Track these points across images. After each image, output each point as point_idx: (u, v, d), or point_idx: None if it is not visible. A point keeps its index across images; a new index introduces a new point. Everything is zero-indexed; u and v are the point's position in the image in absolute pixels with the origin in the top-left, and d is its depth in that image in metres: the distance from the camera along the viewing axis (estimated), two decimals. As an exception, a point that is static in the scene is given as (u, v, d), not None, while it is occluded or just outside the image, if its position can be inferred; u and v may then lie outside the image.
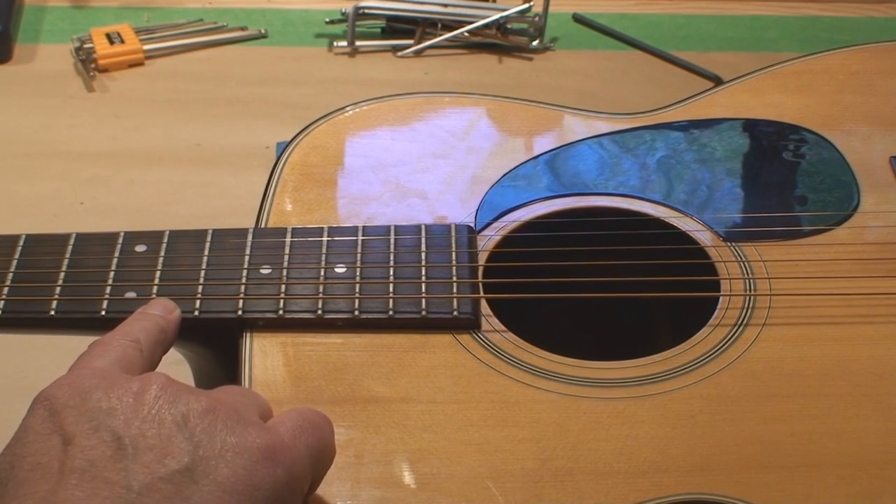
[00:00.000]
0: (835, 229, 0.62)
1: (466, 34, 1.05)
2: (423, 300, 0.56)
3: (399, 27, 1.07)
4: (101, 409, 0.41)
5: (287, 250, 0.58)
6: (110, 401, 0.41)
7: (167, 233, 0.58)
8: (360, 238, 0.59)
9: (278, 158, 0.66)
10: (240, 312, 0.55)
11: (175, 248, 0.58)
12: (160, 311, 0.52)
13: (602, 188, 0.65)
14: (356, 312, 0.55)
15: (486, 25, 1.05)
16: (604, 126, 0.70)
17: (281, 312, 0.55)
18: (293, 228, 0.59)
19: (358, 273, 0.57)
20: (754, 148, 0.69)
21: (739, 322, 0.57)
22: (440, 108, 0.71)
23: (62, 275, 0.56)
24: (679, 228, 0.62)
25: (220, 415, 0.42)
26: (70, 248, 0.57)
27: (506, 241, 0.61)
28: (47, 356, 0.71)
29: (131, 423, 0.41)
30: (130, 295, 0.55)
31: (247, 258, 0.57)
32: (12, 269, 0.56)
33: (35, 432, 0.41)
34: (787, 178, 0.66)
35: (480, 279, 0.58)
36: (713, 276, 0.59)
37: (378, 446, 0.50)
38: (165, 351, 0.52)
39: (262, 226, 0.61)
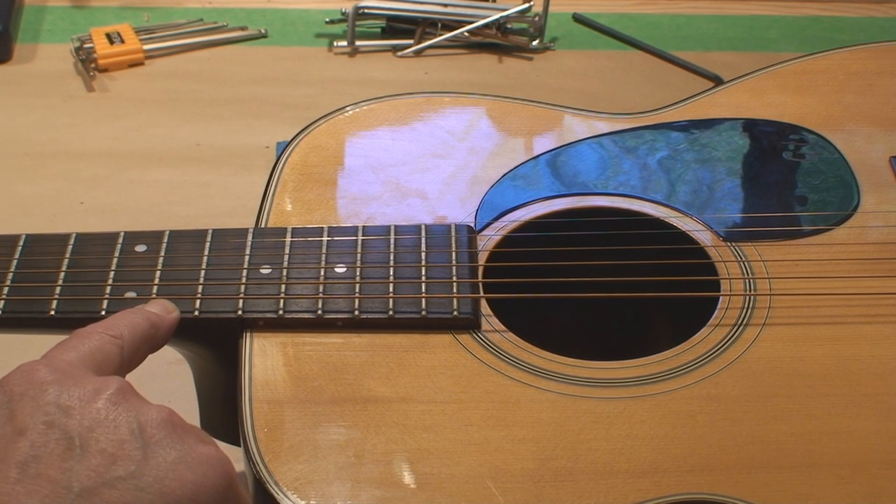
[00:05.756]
0: (835, 229, 0.62)
1: (466, 34, 1.05)
2: (423, 300, 0.56)
3: (399, 27, 1.07)
4: (58, 406, 0.41)
5: (287, 250, 0.58)
6: (70, 399, 0.41)
7: (167, 233, 0.58)
8: (360, 238, 0.59)
9: (278, 158, 0.66)
10: (240, 312, 0.55)
11: (175, 248, 0.58)
12: (157, 310, 0.52)
13: (602, 188, 0.65)
14: (356, 312, 0.55)
15: (486, 25, 1.05)
16: (604, 126, 0.70)
17: (281, 312, 0.55)
18: (293, 228, 0.59)
19: (358, 273, 0.57)
20: (754, 148, 0.69)
21: (739, 322, 0.57)
22: (440, 108, 0.71)
23: (62, 275, 0.56)
24: (679, 228, 0.62)
25: (178, 427, 0.42)
26: (70, 248, 0.57)
27: (506, 241, 0.61)
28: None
29: (84, 424, 0.40)
30: (130, 295, 0.55)
31: (247, 258, 0.57)
32: (12, 269, 0.56)
33: None
34: (788, 178, 0.66)
35: (480, 279, 0.58)
36: (713, 276, 0.59)
37: (378, 446, 0.50)
38: (153, 349, 0.51)
39: (262, 226, 0.61)
